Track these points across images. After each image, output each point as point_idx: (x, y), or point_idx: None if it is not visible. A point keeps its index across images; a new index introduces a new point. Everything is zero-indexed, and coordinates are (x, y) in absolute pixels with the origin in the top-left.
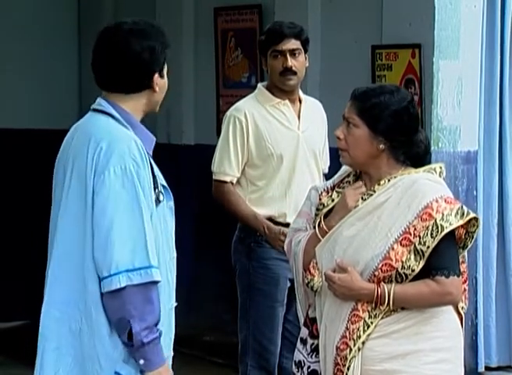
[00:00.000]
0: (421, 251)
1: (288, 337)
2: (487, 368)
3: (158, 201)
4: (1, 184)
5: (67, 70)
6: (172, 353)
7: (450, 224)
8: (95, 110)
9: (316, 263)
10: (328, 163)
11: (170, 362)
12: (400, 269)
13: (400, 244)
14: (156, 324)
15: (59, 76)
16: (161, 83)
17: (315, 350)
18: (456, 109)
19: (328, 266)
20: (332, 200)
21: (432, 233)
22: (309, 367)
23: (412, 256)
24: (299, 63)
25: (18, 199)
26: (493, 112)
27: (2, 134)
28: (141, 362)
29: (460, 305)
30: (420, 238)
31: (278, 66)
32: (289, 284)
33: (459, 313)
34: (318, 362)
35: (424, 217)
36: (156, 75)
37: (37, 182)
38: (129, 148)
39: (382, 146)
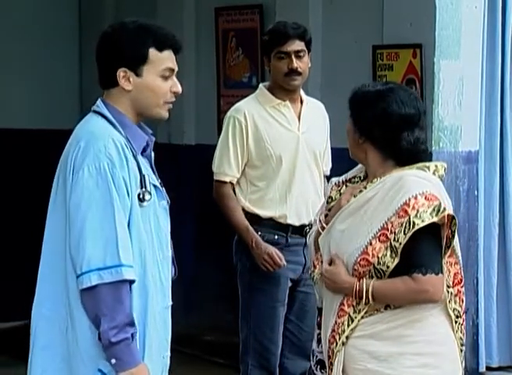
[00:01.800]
0: (395, 247)
1: (289, 337)
2: (488, 368)
3: (143, 199)
4: (0, 184)
5: (67, 70)
6: (169, 353)
7: (423, 221)
8: (94, 111)
9: (320, 255)
10: (329, 165)
11: (168, 362)
12: (376, 265)
13: (378, 240)
14: (129, 324)
15: (60, 77)
16: (136, 81)
17: (320, 340)
18: (457, 109)
19: (327, 259)
20: (340, 194)
21: (404, 230)
22: (317, 357)
23: (388, 253)
24: (304, 64)
25: (18, 199)
26: (494, 112)
27: (3, 134)
28: (112, 361)
29: (452, 306)
30: (395, 235)
31: (283, 67)
32: (290, 284)
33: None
34: (322, 352)
35: (400, 214)
36: (119, 71)
37: (37, 182)
38: (105, 147)
39: (359, 140)
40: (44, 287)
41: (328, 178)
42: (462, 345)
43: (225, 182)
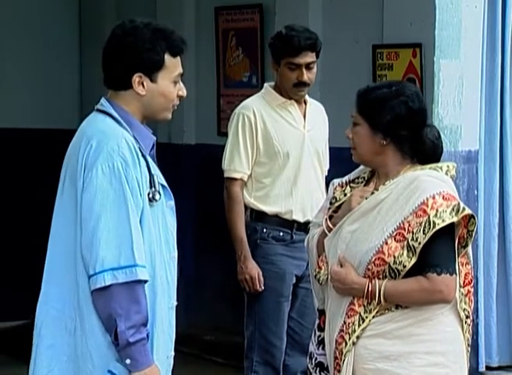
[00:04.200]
0: (413, 247)
1: (291, 334)
2: (488, 367)
3: (153, 199)
4: (1, 183)
5: (68, 70)
6: (173, 353)
7: (443, 221)
8: (98, 110)
9: (325, 257)
10: (327, 166)
11: (171, 362)
12: (392, 264)
13: (394, 240)
14: (144, 324)
15: (60, 76)
16: (151, 87)
17: (321, 342)
18: (457, 109)
19: (334, 260)
20: (345, 194)
21: (424, 230)
22: (316, 359)
23: (405, 252)
24: (312, 75)
25: (18, 198)
26: (494, 112)
27: (3, 134)
28: (127, 361)
29: (463, 306)
30: (413, 234)
31: (292, 78)
32: (294, 280)
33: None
34: (324, 354)
35: (419, 213)
36: (135, 76)
37: (37, 181)
38: (118, 146)
39: (383, 142)
40: (52, 287)
41: (326, 179)
42: (468, 345)
43: (235, 179)
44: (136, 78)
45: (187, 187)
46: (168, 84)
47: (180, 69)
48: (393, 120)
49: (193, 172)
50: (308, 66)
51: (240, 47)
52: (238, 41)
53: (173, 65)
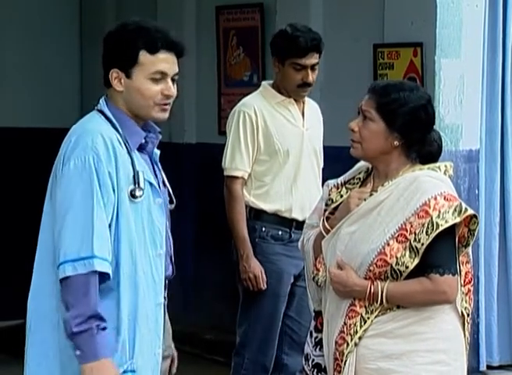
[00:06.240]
0: (416, 248)
1: (289, 333)
2: (488, 367)
3: (133, 196)
4: (1, 183)
5: (69, 69)
6: (161, 350)
7: (446, 222)
8: (96, 109)
9: (323, 258)
10: (321, 165)
11: (160, 359)
12: (394, 266)
13: (396, 241)
14: (93, 316)
15: (60, 75)
16: (127, 83)
17: (319, 343)
18: (458, 108)
19: (332, 262)
20: (341, 196)
21: (427, 231)
22: (313, 360)
23: (407, 253)
24: (315, 75)
25: (18, 198)
26: (495, 111)
27: (3, 133)
28: (77, 352)
29: (464, 305)
30: (415, 235)
31: (296, 78)
32: (292, 280)
33: (462, 314)
34: (322, 356)
35: (421, 214)
36: (112, 72)
37: (38, 180)
38: (92, 141)
39: (396, 142)
40: (37, 281)
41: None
42: (468, 344)
43: (236, 177)
44: (113, 74)
45: (188, 187)
46: (144, 81)
47: (160, 68)
48: (412, 123)
49: (193, 171)
50: (313, 67)
51: (240, 46)
52: (239, 40)
53: (150, 62)
